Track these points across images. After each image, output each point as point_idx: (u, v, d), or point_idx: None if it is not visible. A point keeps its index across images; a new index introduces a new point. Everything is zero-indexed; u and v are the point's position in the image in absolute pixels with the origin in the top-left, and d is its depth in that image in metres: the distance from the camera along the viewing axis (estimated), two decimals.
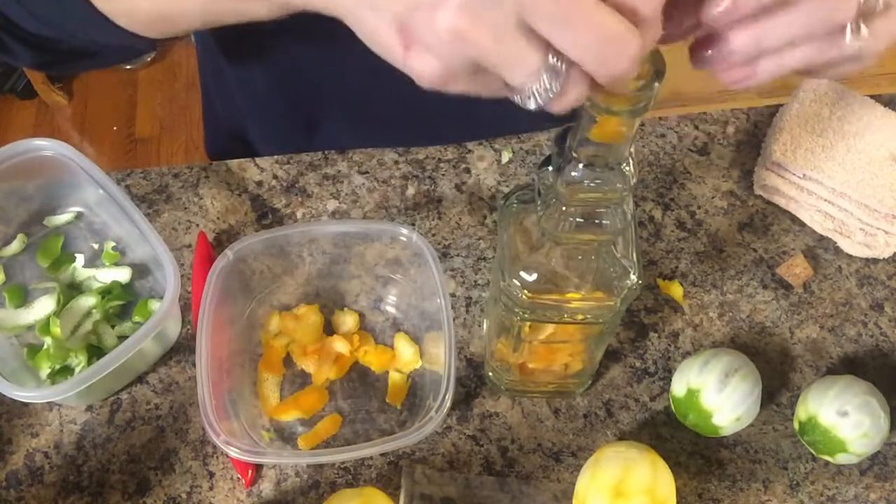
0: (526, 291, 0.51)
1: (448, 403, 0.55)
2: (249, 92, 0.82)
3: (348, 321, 0.68)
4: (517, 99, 0.36)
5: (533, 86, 0.35)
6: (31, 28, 0.56)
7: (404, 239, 0.64)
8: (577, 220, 0.46)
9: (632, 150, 0.44)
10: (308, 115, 0.80)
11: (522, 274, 0.50)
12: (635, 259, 0.51)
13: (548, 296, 0.51)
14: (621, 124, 0.41)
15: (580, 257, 0.50)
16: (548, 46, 0.33)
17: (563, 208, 0.46)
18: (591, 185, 0.44)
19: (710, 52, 0.39)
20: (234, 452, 0.54)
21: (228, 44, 0.77)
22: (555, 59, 0.34)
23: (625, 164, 0.44)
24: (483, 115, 0.77)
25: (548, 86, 0.34)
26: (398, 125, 0.78)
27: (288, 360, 0.67)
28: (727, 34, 0.38)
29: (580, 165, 0.43)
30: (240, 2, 0.47)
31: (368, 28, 0.37)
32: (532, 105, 0.35)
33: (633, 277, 0.50)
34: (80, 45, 0.59)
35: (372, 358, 0.66)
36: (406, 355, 0.66)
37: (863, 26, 0.37)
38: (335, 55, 0.71)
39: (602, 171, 0.44)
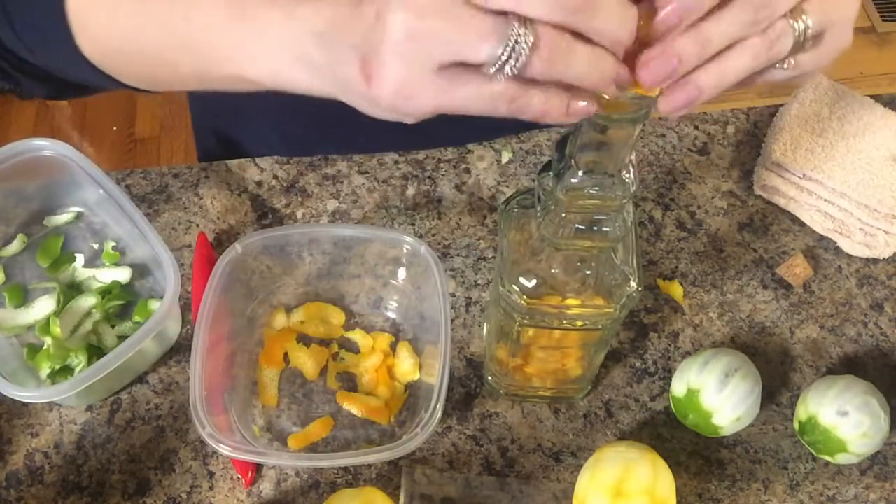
0: (525, 297, 0.50)
1: (435, 421, 0.55)
2: (246, 102, 0.81)
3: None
4: (492, 70, 0.36)
5: (500, 54, 0.35)
6: (33, 61, 0.56)
7: (409, 248, 0.64)
8: (577, 226, 0.46)
9: (632, 157, 0.44)
10: (305, 128, 0.80)
11: (521, 279, 0.50)
12: (635, 266, 0.51)
13: (547, 302, 0.51)
14: (621, 130, 0.41)
15: (580, 263, 0.50)
16: (497, 12, 0.35)
17: (563, 214, 0.46)
18: (591, 191, 0.44)
19: (652, 65, 0.38)
20: (225, 449, 0.55)
21: None
22: (512, 25, 0.35)
23: (625, 172, 0.44)
24: (479, 125, 0.77)
25: (515, 48, 0.35)
26: (396, 136, 0.78)
27: (288, 357, 0.67)
28: (671, 42, 0.37)
29: (580, 172, 0.43)
30: (231, 86, 0.47)
31: (339, 84, 0.40)
32: (509, 72, 0.36)
33: (633, 284, 0.50)
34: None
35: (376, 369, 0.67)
36: (406, 366, 0.66)
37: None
38: None
39: (602, 178, 0.44)
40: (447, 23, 0.35)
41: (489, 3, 0.35)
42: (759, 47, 0.38)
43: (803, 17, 0.39)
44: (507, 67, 0.36)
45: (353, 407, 0.64)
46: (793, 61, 0.40)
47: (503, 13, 0.35)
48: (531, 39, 0.35)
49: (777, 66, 0.40)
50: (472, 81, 0.37)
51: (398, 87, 0.37)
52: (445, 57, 0.36)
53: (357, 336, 0.68)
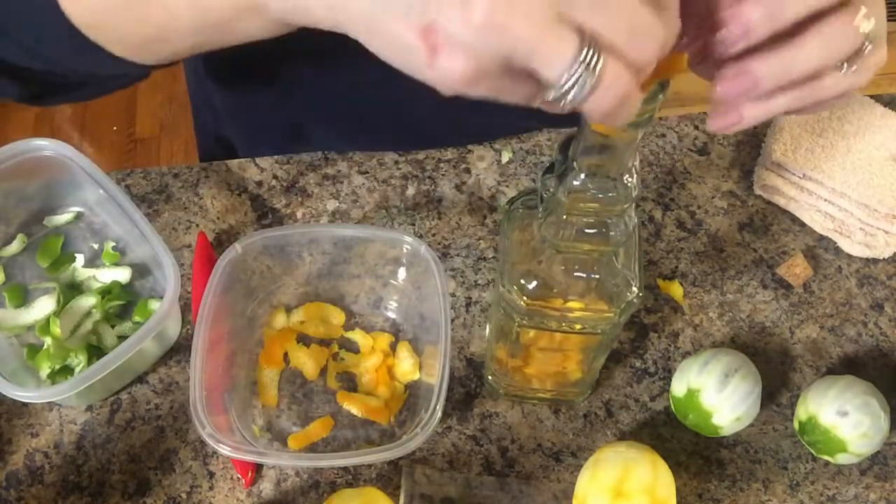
0: (525, 298, 0.50)
1: (435, 421, 0.55)
2: (240, 110, 0.81)
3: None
4: (550, 96, 0.35)
5: (567, 78, 0.34)
6: (17, 61, 0.54)
7: (409, 248, 0.64)
8: (579, 229, 0.46)
9: (636, 162, 0.44)
10: (301, 131, 0.80)
11: (522, 281, 0.50)
12: (637, 271, 0.50)
13: (547, 304, 0.51)
14: (623, 134, 0.41)
15: (580, 266, 0.50)
16: (582, 34, 0.33)
17: (565, 217, 0.46)
18: (593, 195, 0.44)
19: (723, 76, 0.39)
20: (225, 449, 0.54)
21: (220, 67, 0.76)
22: (588, 50, 0.34)
23: (627, 176, 0.44)
24: (480, 125, 0.77)
25: (582, 77, 0.34)
26: (394, 137, 0.78)
27: (288, 357, 0.67)
28: (746, 62, 0.39)
29: (582, 175, 0.43)
30: (233, 18, 0.44)
31: (386, 37, 0.36)
32: (568, 101, 0.35)
33: (635, 289, 0.50)
34: (71, 75, 0.56)
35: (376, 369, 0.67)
36: (406, 366, 0.66)
37: (854, 64, 0.39)
38: (329, 69, 0.70)
39: (604, 182, 0.43)
40: (532, 27, 0.33)
41: (572, 15, 0.33)
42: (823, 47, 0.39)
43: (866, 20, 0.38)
44: (570, 96, 0.34)
45: (353, 407, 0.64)
46: (855, 67, 0.40)
47: (581, 34, 0.33)
48: (595, 76, 0.34)
49: (841, 73, 0.40)
50: (530, 86, 0.36)
51: (466, 73, 0.35)
52: (517, 60, 0.34)
53: (357, 336, 0.68)
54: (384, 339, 0.67)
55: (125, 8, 0.48)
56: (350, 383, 0.66)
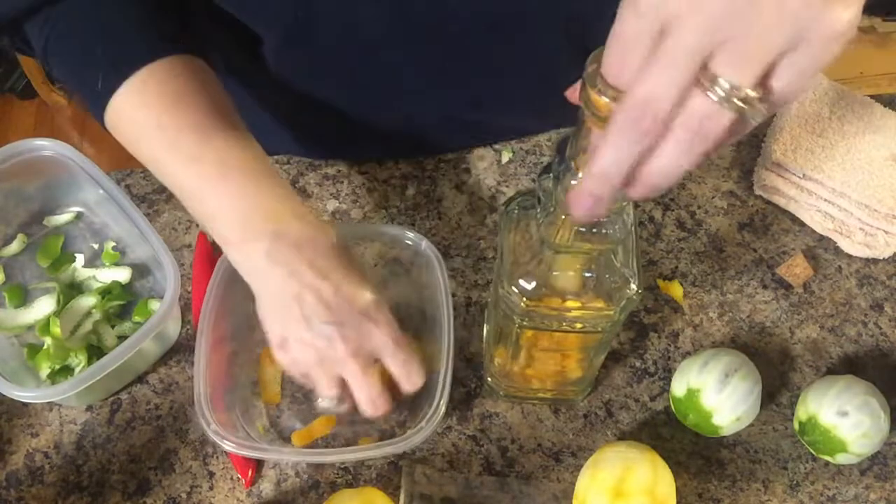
0: (525, 299, 0.50)
1: (440, 415, 0.55)
2: (248, 112, 0.81)
3: None
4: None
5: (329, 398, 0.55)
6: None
7: (410, 243, 0.64)
8: (577, 228, 0.46)
9: None
10: (309, 135, 0.80)
11: (521, 281, 0.50)
12: (635, 268, 0.50)
13: (546, 304, 0.51)
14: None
15: (580, 266, 0.50)
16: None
17: (563, 217, 0.46)
18: None
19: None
20: (228, 446, 0.55)
21: (237, 70, 0.76)
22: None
23: None
24: (480, 126, 0.77)
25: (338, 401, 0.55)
26: (395, 146, 0.78)
27: None
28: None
29: (580, 174, 0.43)
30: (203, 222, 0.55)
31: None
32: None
33: (633, 287, 0.50)
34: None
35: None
36: None
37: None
38: (340, 80, 0.70)
39: None
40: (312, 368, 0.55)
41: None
42: (681, 144, 0.33)
43: (719, 80, 0.32)
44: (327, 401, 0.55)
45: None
46: (762, 108, 0.34)
47: None
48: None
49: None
50: None
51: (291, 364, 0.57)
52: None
53: None
54: None
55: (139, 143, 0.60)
56: None
